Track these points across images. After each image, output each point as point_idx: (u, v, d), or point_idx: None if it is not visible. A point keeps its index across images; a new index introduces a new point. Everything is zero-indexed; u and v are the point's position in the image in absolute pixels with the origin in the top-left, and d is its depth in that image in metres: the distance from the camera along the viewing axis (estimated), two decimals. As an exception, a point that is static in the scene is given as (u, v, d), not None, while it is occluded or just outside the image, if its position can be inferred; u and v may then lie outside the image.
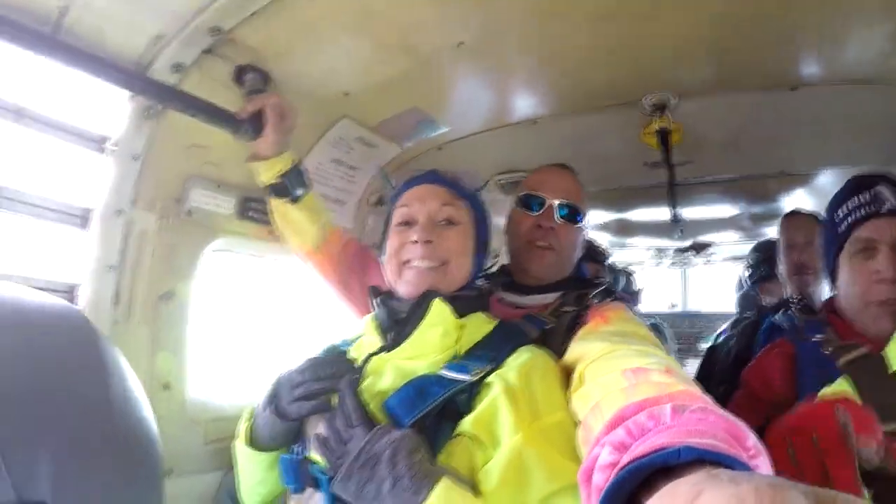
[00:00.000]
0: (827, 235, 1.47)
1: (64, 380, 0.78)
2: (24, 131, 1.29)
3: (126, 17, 1.29)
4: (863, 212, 1.34)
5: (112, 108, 1.42)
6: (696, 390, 0.86)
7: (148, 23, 1.32)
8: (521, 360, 1.15)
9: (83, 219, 1.42)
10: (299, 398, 1.19)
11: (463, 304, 1.27)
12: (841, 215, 1.40)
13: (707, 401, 0.79)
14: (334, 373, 1.19)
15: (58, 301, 0.92)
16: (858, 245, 1.34)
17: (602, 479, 0.63)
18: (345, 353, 1.34)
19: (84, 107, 1.40)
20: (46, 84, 1.32)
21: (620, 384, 0.93)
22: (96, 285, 1.42)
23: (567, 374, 1.17)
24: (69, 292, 1.41)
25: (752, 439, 0.62)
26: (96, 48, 1.25)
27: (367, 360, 1.24)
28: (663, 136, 1.89)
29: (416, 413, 1.08)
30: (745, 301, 3.15)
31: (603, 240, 3.68)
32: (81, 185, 1.43)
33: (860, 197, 1.36)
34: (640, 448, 0.61)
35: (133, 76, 1.31)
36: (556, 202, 1.53)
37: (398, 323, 1.26)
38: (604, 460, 0.65)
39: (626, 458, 0.61)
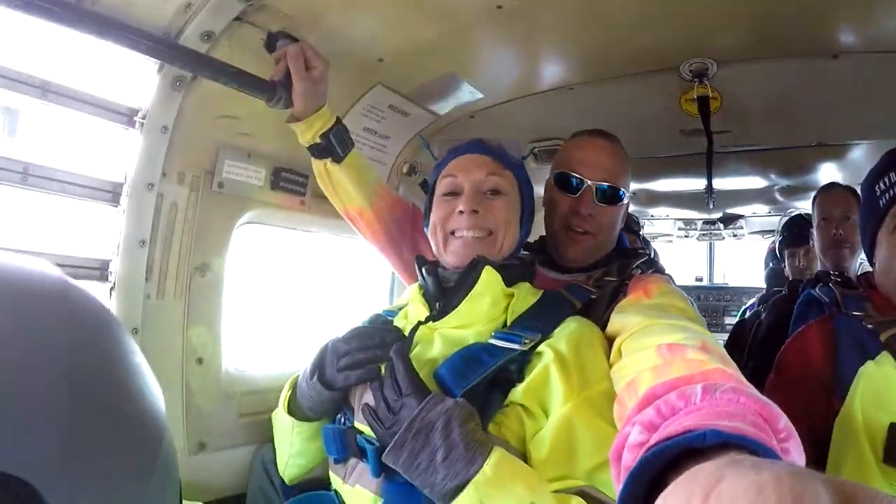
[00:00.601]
0: (865, 210, 1.44)
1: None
2: (52, 107, 1.26)
3: (154, -15, 1.25)
4: None
5: (140, 81, 1.39)
6: (730, 368, 0.86)
7: (176, -10, 1.27)
8: (570, 330, 1.15)
9: (114, 194, 1.40)
10: (346, 367, 1.18)
11: (510, 273, 1.26)
12: (879, 190, 1.36)
13: (740, 380, 0.79)
14: (382, 342, 1.18)
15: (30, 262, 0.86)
16: None
17: (631, 459, 0.64)
18: (391, 322, 1.33)
19: (112, 81, 1.37)
20: (72, 58, 1.28)
21: (654, 361, 0.93)
22: (128, 261, 1.41)
23: (610, 344, 1.16)
24: (102, 269, 1.40)
25: (783, 421, 0.62)
26: (123, 19, 1.21)
27: (415, 329, 1.23)
28: (703, 103, 1.83)
29: (468, 383, 1.07)
30: (774, 277, 3.13)
31: (631, 210, 3.62)
32: (111, 160, 1.41)
33: None
34: (667, 429, 0.61)
35: (162, 44, 1.25)
36: (595, 185, 1.45)
37: (445, 292, 1.25)
38: (633, 440, 0.65)
39: (654, 439, 0.61)
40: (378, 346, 1.18)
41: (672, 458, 0.55)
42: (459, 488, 0.94)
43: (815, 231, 2.27)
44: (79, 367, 0.76)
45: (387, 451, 1.01)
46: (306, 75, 1.40)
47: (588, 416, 1.02)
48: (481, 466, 0.94)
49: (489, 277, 1.20)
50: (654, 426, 0.65)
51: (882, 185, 1.36)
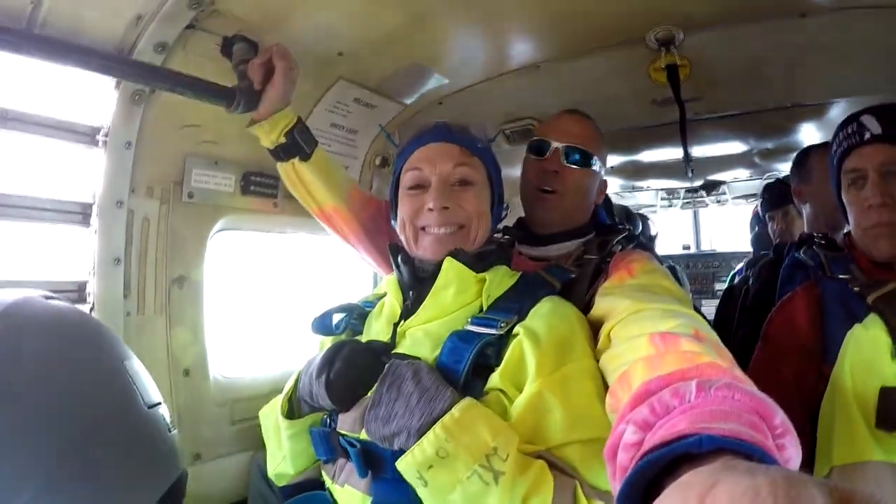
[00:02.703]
0: (830, 174, 1.47)
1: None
2: (12, 133, 1.26)
3: (102, 1, 1.23)
4: (846, 144, 1.37)
5: (99, 98, 1.38)
6: (725, 360, 0.86)
7: (125, 4, 1.25)
8: (545, 309, 1.14)
9: (83, 215, 1.39)
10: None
11: (485, 259, 1.25)
12: (832, 151, 1.43)
13: (734, 374, 0.78)
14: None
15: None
16: (849, 176, 1.37)
17: (626, 459, 0.63)
18: (367, 312, 1.35)
19: (71, 101, 1.36)
20: (29, 82, 1.27)
21: (647, 350, 0.93)
22: (104, 280, 1.41)
23: (594, 327, 1.16)
24: (79, 291, 1.39)
25: (779, 417, 0.62)
26: (74, 38, 1.20)
27: (394, 334, 1.22)
28: (671, 71, 1.80)
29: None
30: (760, 240, 3.12)
31: (613, 184, 3.61)
32: (78, 181, 1.40)
33: (846, 129, 1.38)
34: (661, 432, 0.61)
35: (115, 61, 1.25)
36: (563, 145, 1.49)
37: (420, 281, 1.24)
38: (628, 439, 0.65)
39: (647, 441, 0.61)
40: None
41: (667, 463, 0.55)
42: (428, 426, 0.96)
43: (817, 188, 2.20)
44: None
45: (367, 413, 1.04)
46: (290, 75, 1.40)
47: (563, 393, 1.01)
48: (450, 406, 0.97)
49: (449, 267, 1.19)
50: (648, 425, 0.65)
51: (834, 146, 1.42)
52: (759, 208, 3.09)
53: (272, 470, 1.32)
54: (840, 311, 1.31)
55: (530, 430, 0.99)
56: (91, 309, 1.39)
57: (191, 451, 1.56)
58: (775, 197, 2.68)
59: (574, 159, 1.50)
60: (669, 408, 0.65)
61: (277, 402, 1.28)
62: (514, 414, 1.02)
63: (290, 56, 1.39)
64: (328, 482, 1.22)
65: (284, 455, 1.28)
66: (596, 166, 1.54)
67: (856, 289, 1.31)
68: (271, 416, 1.31)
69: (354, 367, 1.14)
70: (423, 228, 1.25)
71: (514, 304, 1.17)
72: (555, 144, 1.50)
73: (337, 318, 1.34)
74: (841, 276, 1.37)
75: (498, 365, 1.09)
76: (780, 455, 0.59)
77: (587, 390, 1.02)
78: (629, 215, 3.66)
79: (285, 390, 1.27)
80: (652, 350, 0.92)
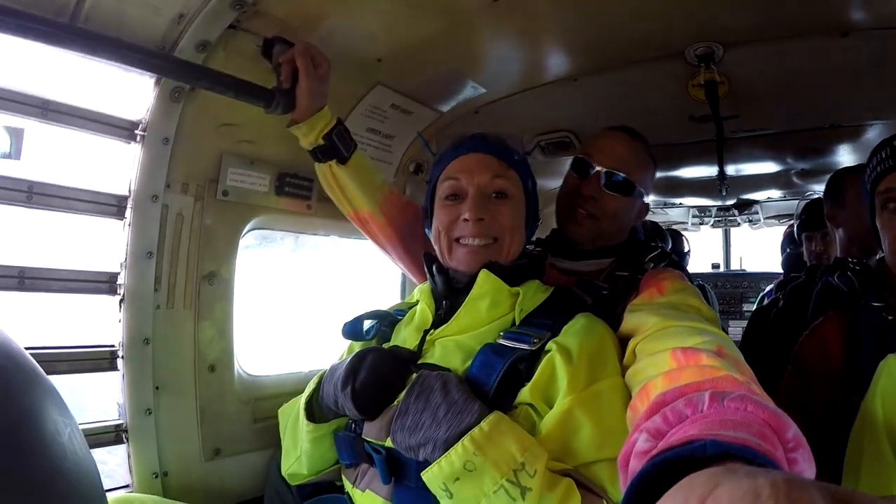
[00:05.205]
0: (863, 197, 1.44)
1: None
2: (53, 125, 1.28)
3: (145, -1, 1.25)
4: (880, 167, 1.32)
5: (139, 93, 1.39)
6: (743, 375, 0.86)
7: (168, 2, 1.27)
8: (578, 327, 1.14)
9: (119, 207, 1.41)
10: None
11: (518, 273, 1.25)
12: (866, 175, 1.39)
13: (750, 388, 0.78)
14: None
15: None
16: (882, 199, 1.32)
17: (637, 466, 0.63)
18: (398, 319, 1.35)
19: (111, 96, 1.37)
20: (70, 75, 1.29)
21: (668, 365, 0.93)
22: (136, 272, 1.42)
23: (622, 343, 1.15)
24: (110, 282, 1.41)
25: (791, 430, 0.61)
26: (117, 33, 1.21)
27: (423, 342, 1.23)
28: (710, 88, 1.78)
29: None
30: (791, 261, 3.07)
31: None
32: (115, 174, 1.42)
33: (880, 154, 1.34)
34: (671, 438, 0.61)
35: (156, 57, 1.27)
36: (604, 170, 1.45)
37: (454, 291, 1.24)
38: (640, 447, 0.65)
39: (659, 448, 0.62)
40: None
41: (673, 468, 0.55)
42: (455, 439, 0.96)
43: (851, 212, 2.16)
44: None
45: (394, 422, 1.04)
46: (314, 73, 1.39)
47: (593, 410, 1.01)
48: (479, 420, 0.97)
49: (485, 279, 1.19)
50: (660, 433, 0.65)
51: (868, 171, 1.38)
52: (794, 229, 3.04)
53: (286, 469, 1.33)
54: (873, 339, 1.27)
55: (559, 447, 0.99)
56: (121, 300, 1.41)
57: (211, 447, 1.57)
58: (816, 217, 2.62)
59: (615, 186, 1.46)
60: (682, 417, 0.66)
61: (299, 403, 1.28)
62: (543, 429, 1.02)
63: (311, 54, 1.38)
64: (348, 486, 1.22)
65: (299, 455, 1.28)
66: (637, 194, 1.51)
67: (890, 317, 1.28)
68: (290, 416, 1.32)
69: (379, 375, 1.15)
70: (457, 240, 1.24)
71: (547, 321, 1.16)
72: (596, 167, 1.46)
73: (367, 323, 1.34)
74: (875, 304, 1.34)
75: (528, 380, 1.08)
76: (790, 468, 0.59)
77: (618, 408, 1.01)
78: (659, 231, 3.62)
79: (306, 392, 1.28)
80: (673, 364, 0.93)
